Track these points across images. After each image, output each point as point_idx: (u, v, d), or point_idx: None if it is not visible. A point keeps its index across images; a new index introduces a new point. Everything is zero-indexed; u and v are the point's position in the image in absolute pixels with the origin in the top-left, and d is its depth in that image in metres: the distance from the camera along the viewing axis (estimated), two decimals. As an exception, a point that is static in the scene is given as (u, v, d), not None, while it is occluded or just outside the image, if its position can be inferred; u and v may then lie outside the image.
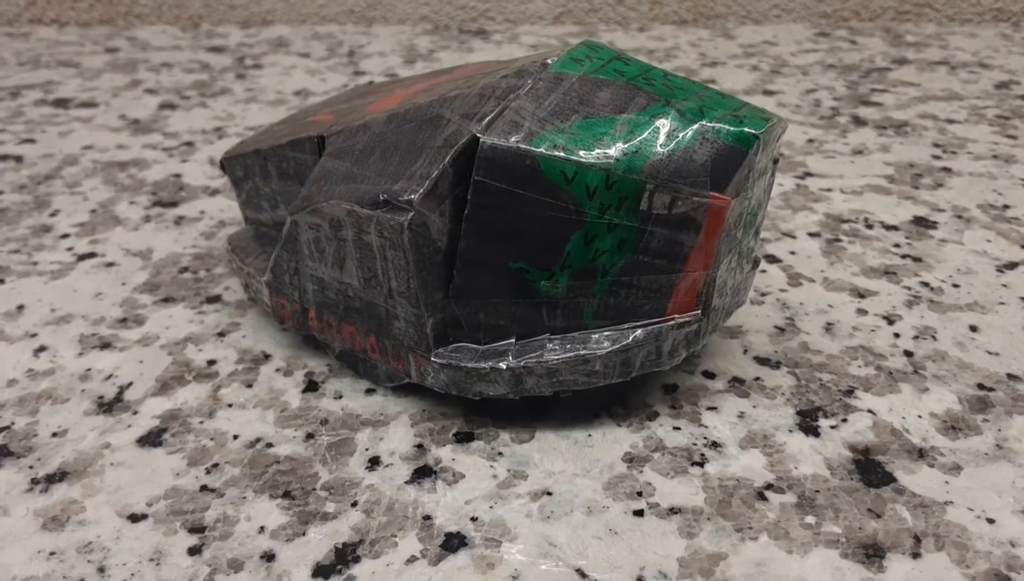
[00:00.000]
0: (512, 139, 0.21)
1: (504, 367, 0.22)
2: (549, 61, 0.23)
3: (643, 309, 0.22)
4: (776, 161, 0.24)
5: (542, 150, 0.21)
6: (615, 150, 0.21)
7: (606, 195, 0.21)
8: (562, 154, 0.21)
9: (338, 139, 0.25)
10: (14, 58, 0.62)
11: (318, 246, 0.24)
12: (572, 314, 0.23)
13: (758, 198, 0.23)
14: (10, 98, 0.53)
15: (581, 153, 0.21)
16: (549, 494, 0.22)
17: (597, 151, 0.21)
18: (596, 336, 0.23)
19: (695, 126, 0.21)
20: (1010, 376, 0.26)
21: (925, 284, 0.31)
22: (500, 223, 0.22)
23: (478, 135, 0.22)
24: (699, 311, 0.23)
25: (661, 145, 0.21)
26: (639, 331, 0.22)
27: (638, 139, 0.21)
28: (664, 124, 0.22)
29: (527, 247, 0.22)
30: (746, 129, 0.21)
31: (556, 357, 0.22)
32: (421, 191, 0.21)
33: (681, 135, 0.21)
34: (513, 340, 0.23)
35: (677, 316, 0.23)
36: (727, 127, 0.21)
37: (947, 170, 0.42)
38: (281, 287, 0.26)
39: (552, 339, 0.23)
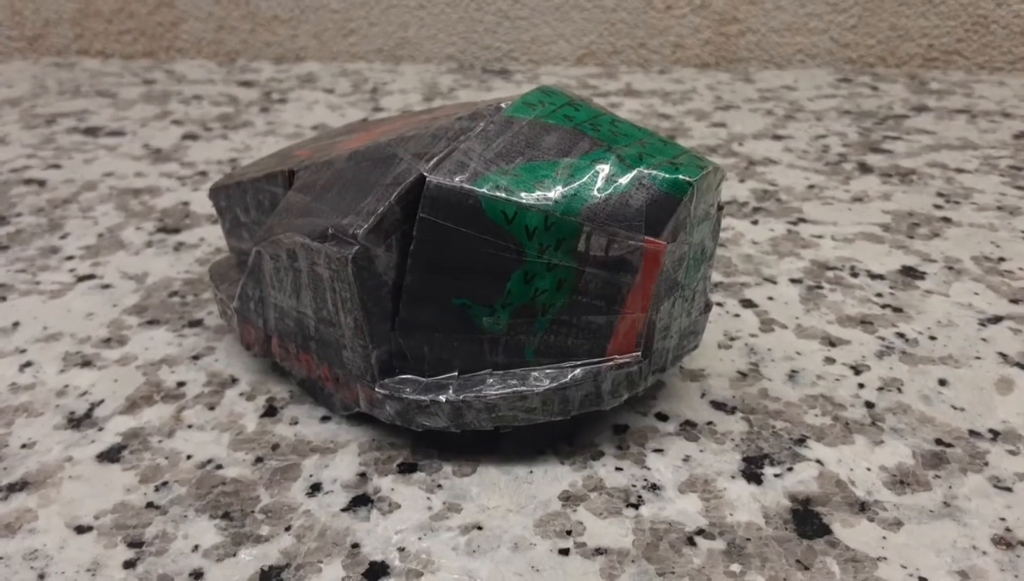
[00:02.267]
0: (457, 179, 0.22)
1: (444, 400, 0.23)
2: (503, 105, 0.24)
3: (583, 349, 0.23)
4: (721, 208, 0.24)
5: (484, 190, 0.22)
6: (555, 193, 0.22)
7: (545, 236, 0.22)
8: (503, 195, 0.22)
9: (305, 174, 0.26)
10: (56, 87, 0.66)
11: (278, 276, 0.25)
12: (513, 351, 0.23)
13: (701, 243, 0.23)
14: (45, 125, 0.56)
15: (522, 194, 0.22)
16: (479, 528, 0.22)
17: (537, 193, 0.22)
18: (536, 373, 0.23)
19: (633, 172, 0.22)
20: (972, 433, 0.26)
21: (901, 335, 0.31)
22: (444, 259, 0.22)
23: (425, 174, 0.22)
24: (639, 353, 0.23)
25: (599, 189, 0.22)
26: (578, 370, 0.23)
27: (577, 183, 0.22)
28: (603, 169, 0.22)
29: (470, 283, 0.23)
30: (681, 176, 0.22)
31: (495, 392, 0.23)
32: (366, 226, 0.22)
33: (619, 180, 0.22)
34: (456, 374, 0.23)
35: (617, 357, 0.23)
36: (663, 174, 0.22)
37: (946, 220, 0.41)
38: (247, 314, 0.27)
39: (493, 374, 0.23)
